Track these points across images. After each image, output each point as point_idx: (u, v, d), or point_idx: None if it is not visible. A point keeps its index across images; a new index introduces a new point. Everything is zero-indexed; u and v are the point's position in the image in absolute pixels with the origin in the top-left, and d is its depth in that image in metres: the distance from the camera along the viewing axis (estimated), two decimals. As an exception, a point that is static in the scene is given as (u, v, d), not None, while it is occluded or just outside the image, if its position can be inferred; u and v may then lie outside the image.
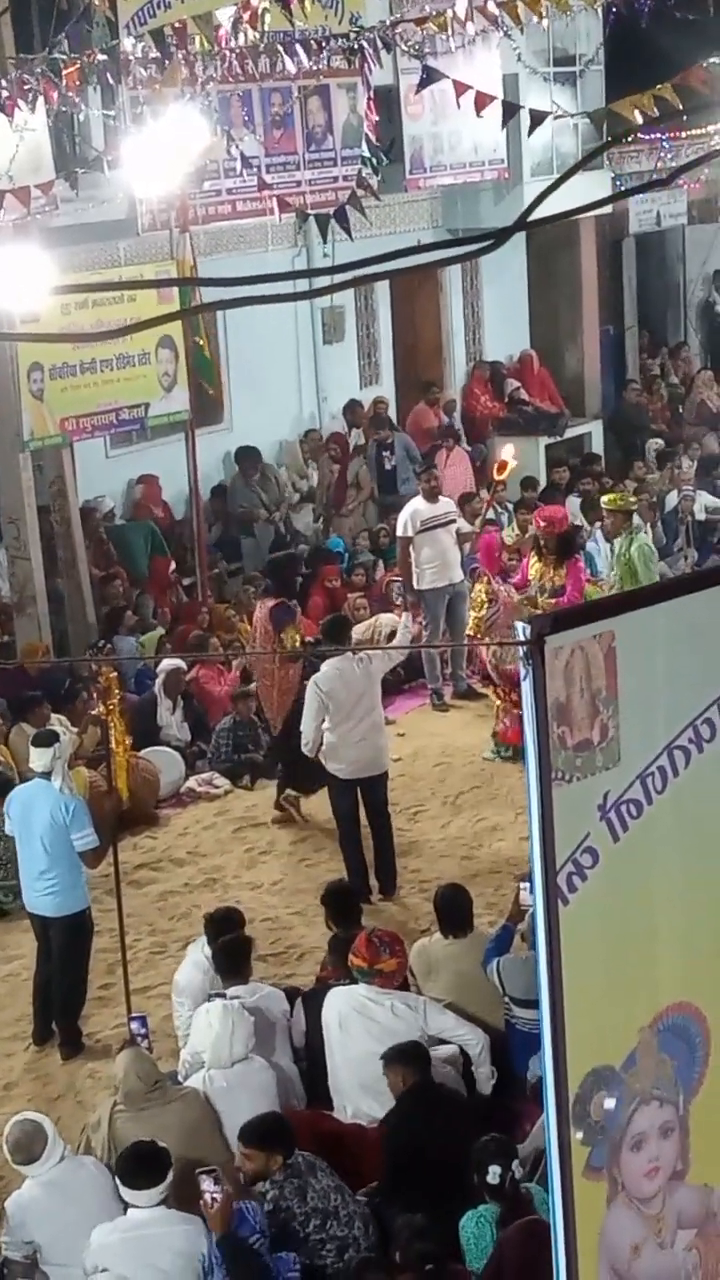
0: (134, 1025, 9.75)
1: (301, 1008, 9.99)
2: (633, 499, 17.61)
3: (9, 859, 13.42)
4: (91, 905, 11.57)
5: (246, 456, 20.97)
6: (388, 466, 21.93)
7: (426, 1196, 8.35)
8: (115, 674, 12.02)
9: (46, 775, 11.21)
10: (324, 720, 12.96)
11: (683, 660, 4.99)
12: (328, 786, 13.51)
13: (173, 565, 19.35)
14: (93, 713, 15.22)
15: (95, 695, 15.82)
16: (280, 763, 14.84)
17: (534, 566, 15.57)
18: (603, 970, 4.82)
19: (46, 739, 11.43)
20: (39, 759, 11.25)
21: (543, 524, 15.64)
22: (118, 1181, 8.07)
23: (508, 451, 16.77)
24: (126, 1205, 8.06)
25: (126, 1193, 7.99)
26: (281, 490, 21.36)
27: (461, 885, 11.17)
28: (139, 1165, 8.01)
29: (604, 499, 17.44)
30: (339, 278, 5.49)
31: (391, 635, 15.70)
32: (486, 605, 15.34)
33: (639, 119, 12.57)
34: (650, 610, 4.90)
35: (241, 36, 14.13)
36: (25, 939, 12.84)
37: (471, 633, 15.64)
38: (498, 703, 15.75)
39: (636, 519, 16.80)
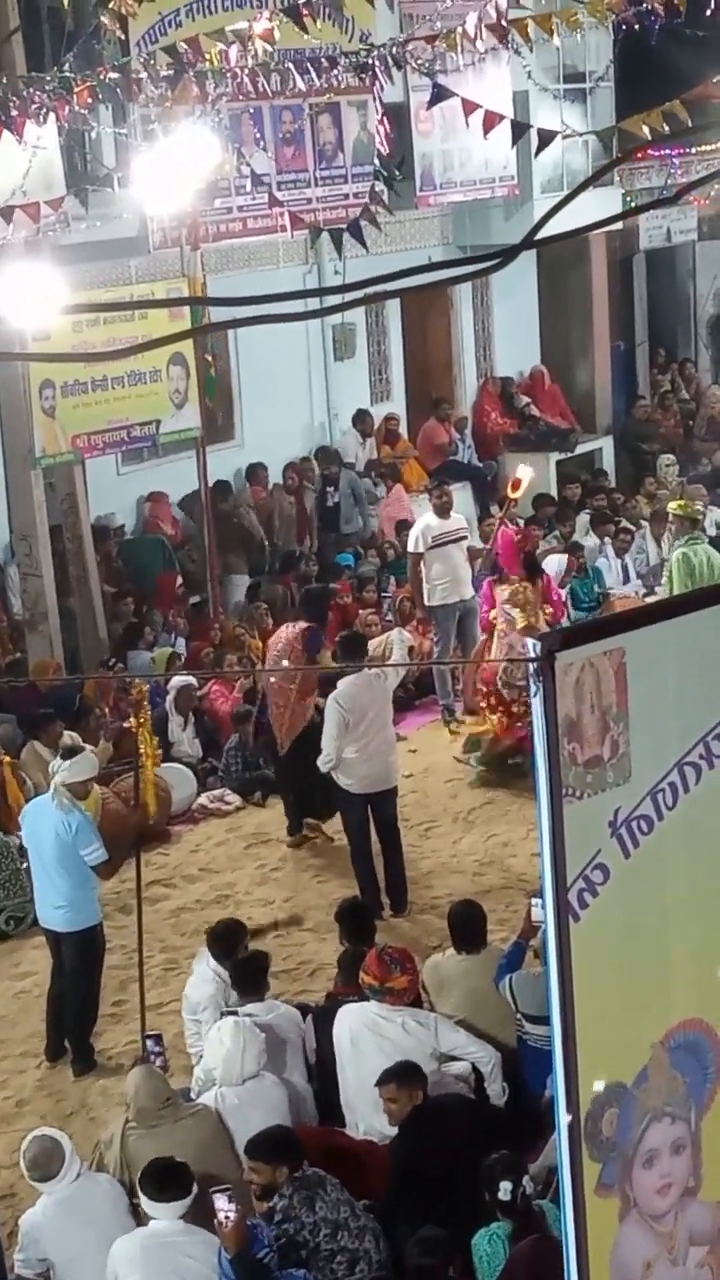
0: (149, 1044, 9.74)
1: (312, 1025, 9.99)
2: (699, 507, 17.50)
3: (11, 880, 13.48)
4: (103, 921, 11.56)
5: (254, 473, 21.07)
6: (330, 503, 21.58)
7: (428, 1211, 8.35)
8: (146, 687, 12.14)
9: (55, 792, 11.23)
10: (344, 737, 12.98)
11: (693, 676, 4.99)
12: (339, 803, 13.51)
13: (180, 581, 19.36)
14: (114, 726, 15.26)
15: (110, 711, 15.85)
16: (291, 789, 14.71)
17: (501, 589, 15.57)
18: (614, 986, 4.82)
19: (72, 754, 11.47)
20: (61, 770, 11.34)
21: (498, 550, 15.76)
22: (141, 1194, 8.06)
23: (525, 472, 16.79)
24: (143, 1219, 8.07)
25: (149, 1205, 8.01)
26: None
27: (475, 901, 11.17)
28: (163, 1179, 8.03)
29: (671, 505, 17.51)
30: (347, 297, 5.50)
31: (409, 651, 15.73)
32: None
33: (649, 136, 12.58)
34: (660, 627, 4.90)
35: (252, 55, 14.16)
36: (37, 955, 12.86)
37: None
38: (492, 718, 15.67)
39: (701, 528, 16.73)
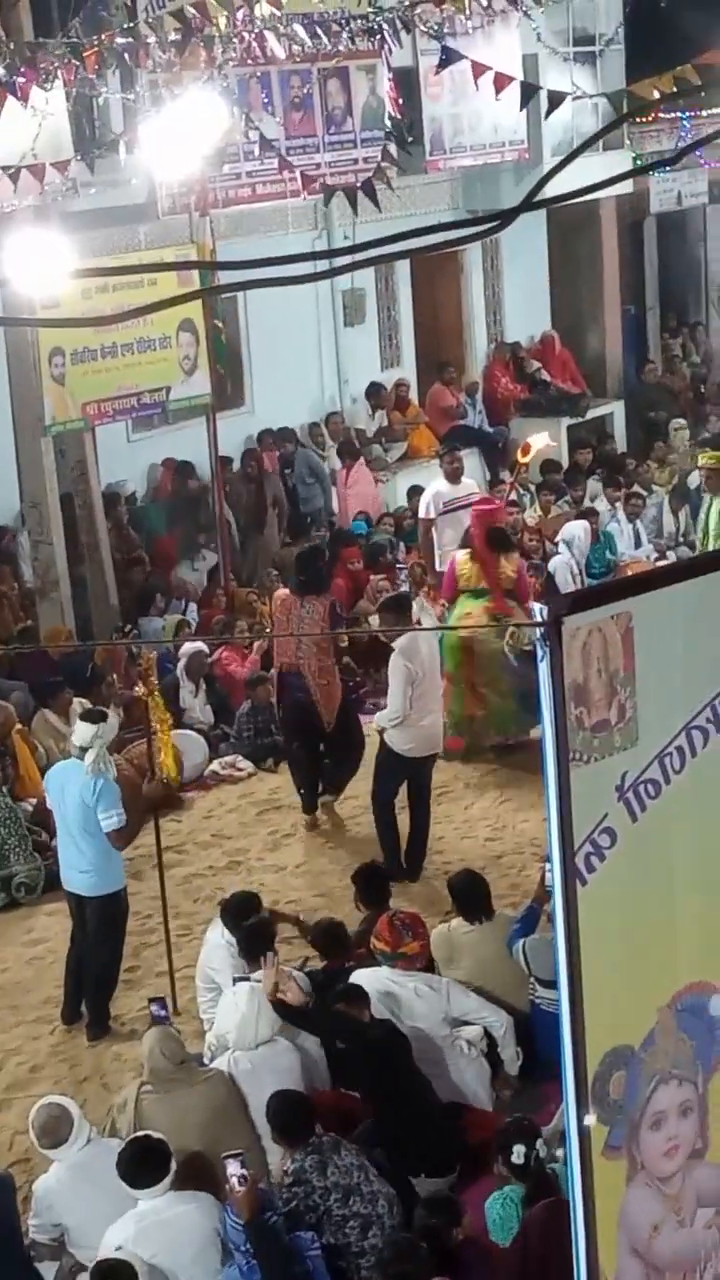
0: (154, 1008, 9.78)
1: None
2: None
3: (22, 846, 13.51)
4: (126, 887, 11.60)
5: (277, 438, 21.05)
6: (288, 485, 21.32)
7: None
8: (154, 655, 12.13)
9: (84, 752, 11.10)
10: (410, 693, 12.94)
11: (700, 640, 4.99)
12: (380, 765, 13.33)
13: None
14: (124, 694, 15.27)
15: (121, 679, 15.86)
16: (334, 759, 14.45)
17: (466, 564, 15.53)
18: (621, 950, 4.83)
19: (95, 716, 11.35)
20: (82, 733, 11.17)
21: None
22: (123, 1183, 8.03)
23: (540, 439, 16.73)
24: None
25: (132, 1191, 8.00)
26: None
27: (476, 871, 11.20)
28: (142, 1164, 8.02)
29: (702, 458, 17.52)
30: (351, 258, 5.49)
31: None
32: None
33: (657, 98, 12.57)
34: (668, 591, 4.89)
35: (260, 19, 14.13)
36: (51, 922, 12.91)
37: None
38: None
39: None
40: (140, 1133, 8.40)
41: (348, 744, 14.19)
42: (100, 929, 11.42)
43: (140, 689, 12.25)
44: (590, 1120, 4.64)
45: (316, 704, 13.93)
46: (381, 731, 13.16)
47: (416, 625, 14.45)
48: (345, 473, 21.47)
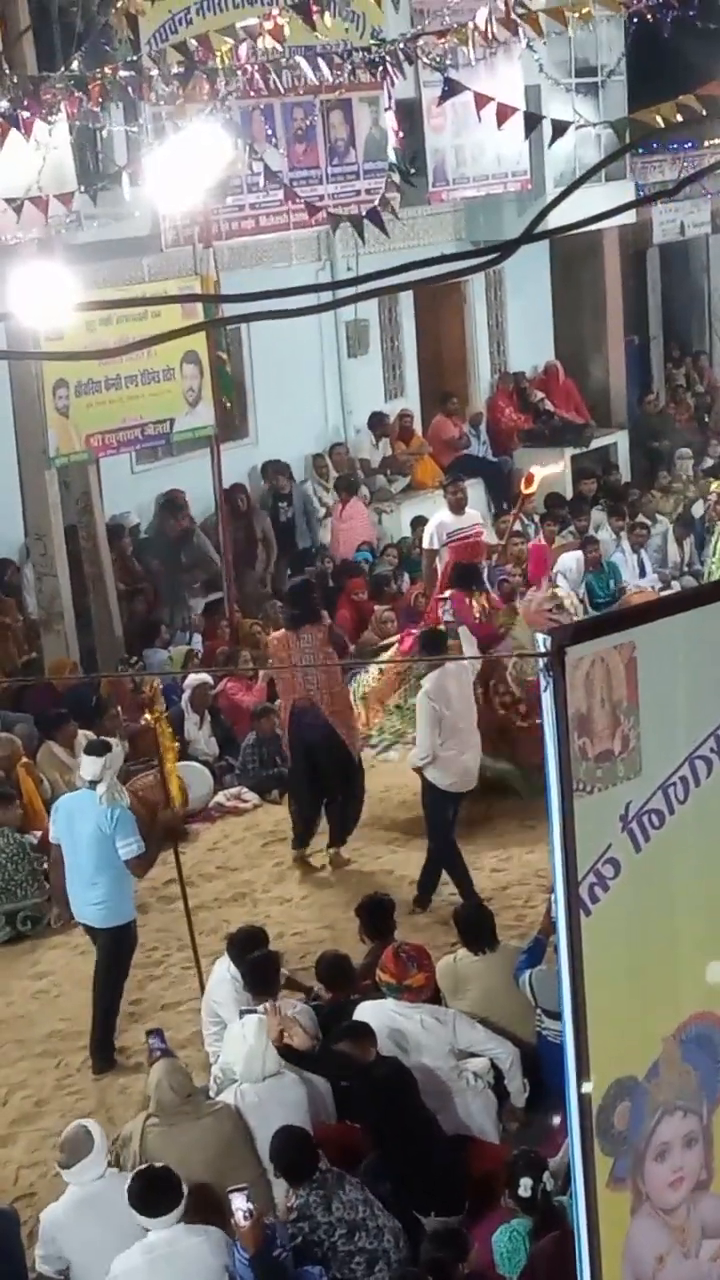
0: (152, 1040, 9.77)
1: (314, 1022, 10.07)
2: None
3: (28, 880, 13.49)
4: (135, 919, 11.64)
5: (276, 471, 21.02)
6: (283, 518, 21.06)
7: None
8: (159, 683, 12.15)
9: (94, 785, 11.12)
10: (438, 732, 12.94)
11: (704, 670, 4.99)
12: (429, 805, 13.23)
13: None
14: (129, 724, 15.27)
15: (126, 710, 15.86)
16: (338, 806, 14.23)
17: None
18: (625, 981, 4.82)
19: (99, 749, 11.35)
20: (89, 767, 11.20)
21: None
22: (133, 1211, 8.00)
23: (544, 469, 16.74)
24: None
25: (144, 1220, 7.97)
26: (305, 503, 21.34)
27: (481, 902, 11.20)
28: (154, 1192, 7.99)
29: (715, 485, 17.64)
30: (354, 290, 5.50)
31: None
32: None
33: (662, 126, 12.60)
34: (670, 621, 4.90)
35: (263, 52, 14.16)
36: (56, 956, 12.89)
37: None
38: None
39: None
40: (148, 1164, 8.38)
41: (350, 792, 14.08)
42: (109, 960, 11.43)
43: (147, 717, 12.29)
44: (588, 1087, 4.62)
45: (333, 738, 13.81)
46: (419, 770, 13.13)
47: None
48: (341, 507, 21.37)
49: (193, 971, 12.03)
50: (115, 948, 11.41)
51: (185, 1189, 8.03)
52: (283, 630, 14.33)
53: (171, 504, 19.92)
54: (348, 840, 14.22)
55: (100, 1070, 11.32)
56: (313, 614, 14.13)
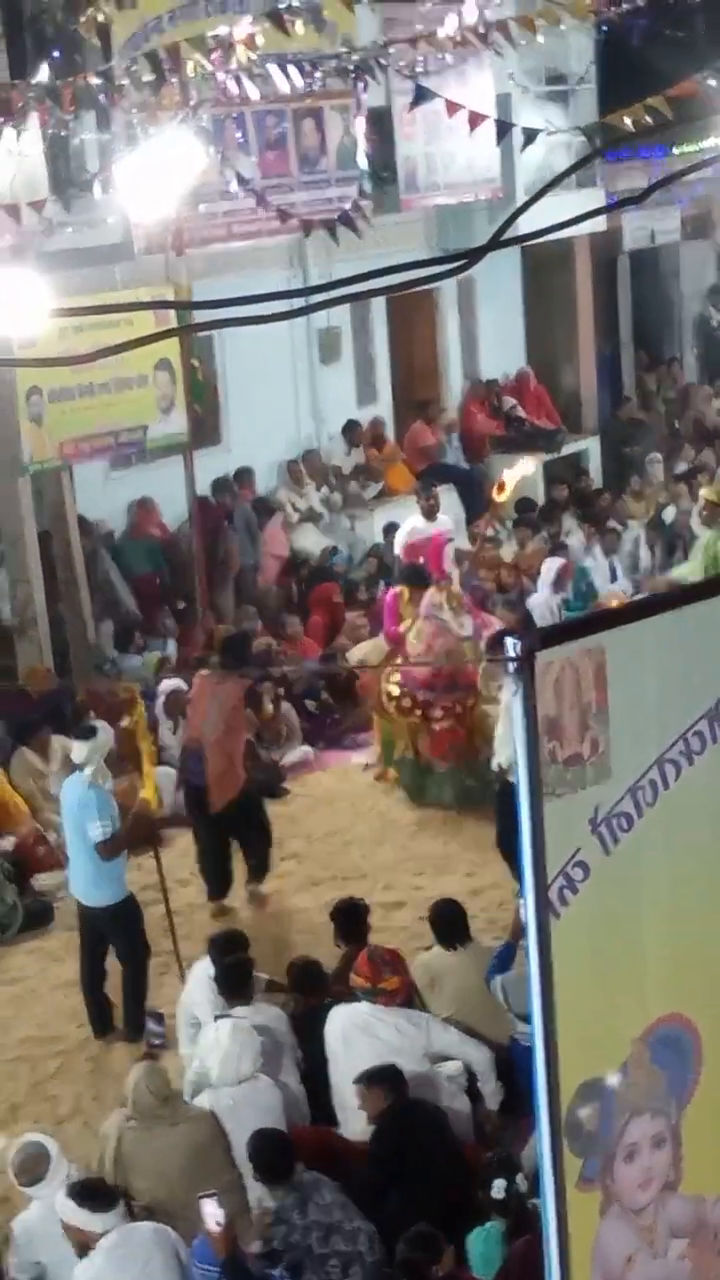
0: (149, 1021, 9.81)
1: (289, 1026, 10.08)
2: None
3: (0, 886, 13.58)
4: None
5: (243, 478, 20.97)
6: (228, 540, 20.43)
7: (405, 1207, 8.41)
8: (138, 687, 12.32)
9: (82, 769, 11.57)
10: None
11: (673, 674, 5.02)
12: (505, 810, 12.77)
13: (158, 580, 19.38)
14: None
15: (102, 715, 15.85)
16: (217, 852, 13.82)
17: (432, 592, 15.51)
18: (594, 983, 4.85)
19: (87, 733, 11.71)
20: (78, 751, 11.61)
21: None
22: (80, 1216, 8.04)
23: (516, 473, 16.76)
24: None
25: (94, 1217, 7.99)
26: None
27: (453, 899, 11.24)
28: (92, 1196, 8.07)
29: (704, 490, 17.73)
30: (324, 296, 5.53)
31: None
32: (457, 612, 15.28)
33: (633, 130, 12.64)
34: (639, 625, 4.93)
35: (235, 60, 14.17)
36: (28, 960, 12.93)
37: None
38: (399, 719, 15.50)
39: None
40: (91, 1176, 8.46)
41: (249, 827, 13.78)
42: (119, 937, 11.80)
43: (125, 721, 12.40)
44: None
45: (219, 779, 13.41)
46: (504, 771, 12.86)
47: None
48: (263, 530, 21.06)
49: (166, 975, 12.08)
50: (120, 924, 11.73)
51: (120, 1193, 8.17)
52: (207, 672, 14.25)
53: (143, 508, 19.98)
54: (265, 874, 13.94)
55: (134, 1039, 11.52)
56: (239, 666, 14.01)
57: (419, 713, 15.09)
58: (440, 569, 15.68)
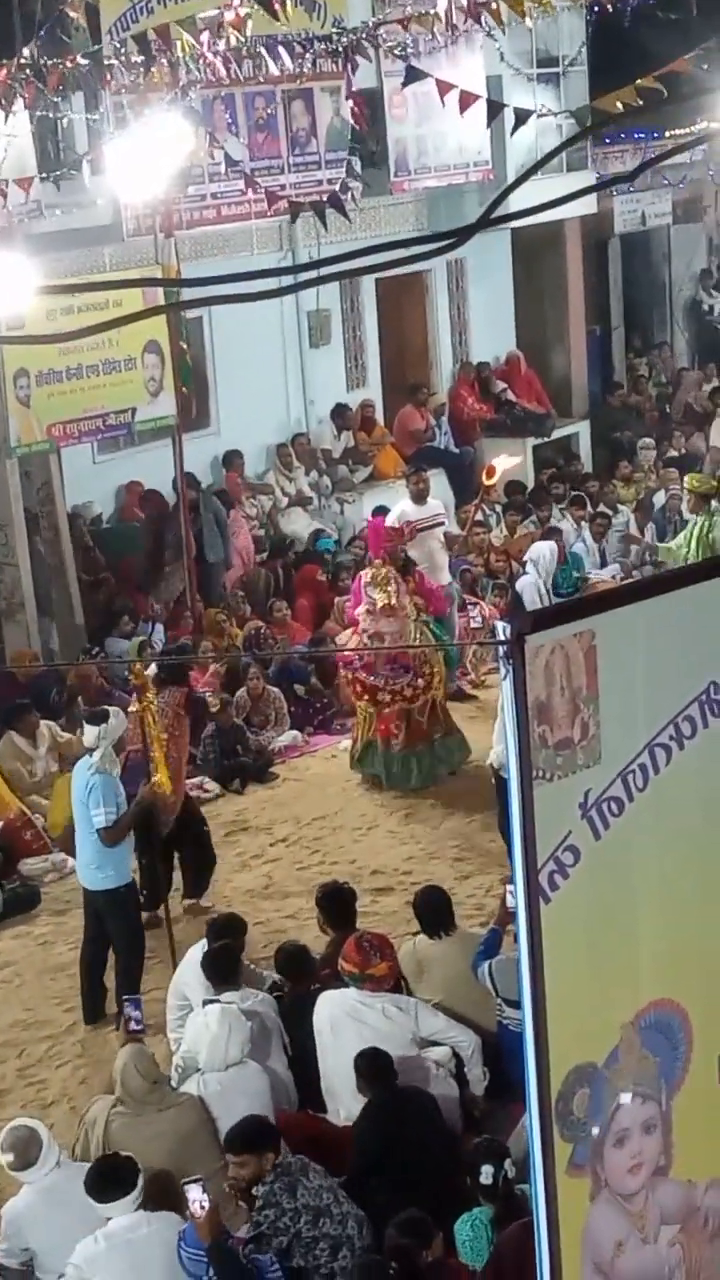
0: (128, 1008, 9.78)
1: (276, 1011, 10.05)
2: (714, 481, 17.57)
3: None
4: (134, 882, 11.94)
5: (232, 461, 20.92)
6: (193, 530, 19.83)
7: (393, 1197, 8.38)
8: (150, 671, 12.31)
9: (92, 753, 11.57)
10: None
11: (662, 658, 5.00)
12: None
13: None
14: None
15: (93, 699, 15.82)
16: (183, 863, 13.44)
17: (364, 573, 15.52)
18: (585, 968, 4.83)
19: (98, 718, 11.72)
20: (89, 735, 11.62)
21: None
22: (91, 1199, 8.02)
23: (505, 460, 16.68)
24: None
25: (102, 1208, 7.98)
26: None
27: (438, 886, 11.20)
28: (110, 1179, 8.01)
29: (687, 479, 17.73)
30: (313, 274, 5.50)
31: None
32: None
33: (622, 111, 12.62)
34: (629, 609, 4.91)
35: (224, 41, 14.14)
36: (16, 945, 12.90)
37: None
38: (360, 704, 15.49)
39: (715, 502, 16.79)
40: (106, 1152, 8.39)
41: (185, 841, 13.34)
42: (115, 921, 11.74)
43: (134, 705, 12.39)
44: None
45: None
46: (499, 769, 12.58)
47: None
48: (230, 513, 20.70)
49: (156, 960, 12.05)
50: (113, 910, 11.69)
51: (141, 1176, 8.03)
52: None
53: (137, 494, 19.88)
54: (205, 889, 13.53)
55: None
56: (179, 677, 13.80)
57: (367, 697, 15.15)
58: (377, 549, 15.64)
